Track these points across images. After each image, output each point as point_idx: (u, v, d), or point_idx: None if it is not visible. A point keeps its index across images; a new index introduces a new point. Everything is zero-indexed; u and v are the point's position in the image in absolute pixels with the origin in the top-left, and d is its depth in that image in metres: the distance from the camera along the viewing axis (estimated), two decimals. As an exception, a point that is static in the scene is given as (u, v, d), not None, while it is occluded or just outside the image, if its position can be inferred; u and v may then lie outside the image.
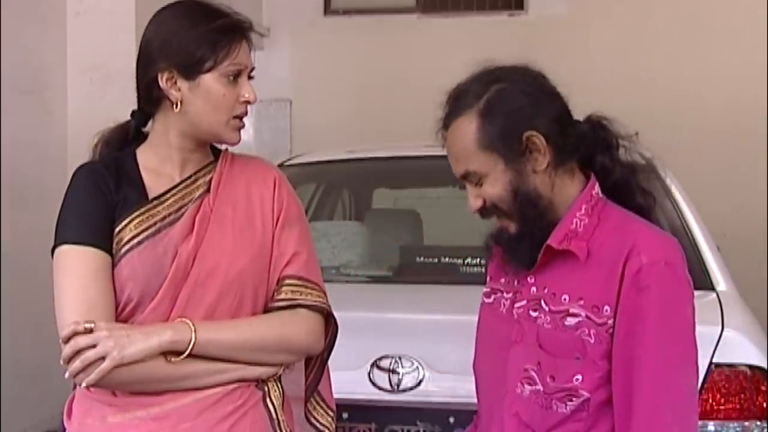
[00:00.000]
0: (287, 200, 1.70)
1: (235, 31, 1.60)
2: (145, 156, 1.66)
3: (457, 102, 1.54)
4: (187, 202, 1.62)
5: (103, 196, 1.60)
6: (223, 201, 1.65)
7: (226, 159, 1.70)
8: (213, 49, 1.57)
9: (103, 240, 1.57)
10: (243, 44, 1.61)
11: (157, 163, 1.65)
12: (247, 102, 1.62)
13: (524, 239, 1.54)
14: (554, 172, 1.53)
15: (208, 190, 1.65)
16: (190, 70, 1.57)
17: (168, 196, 1.62)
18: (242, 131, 1.65)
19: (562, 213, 1.54)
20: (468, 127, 1.51)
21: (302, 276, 1.66)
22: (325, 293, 1.68)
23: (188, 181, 1.64)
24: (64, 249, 1.57)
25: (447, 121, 1.55)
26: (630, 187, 1.59)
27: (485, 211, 1.55)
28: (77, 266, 1.56)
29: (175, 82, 1.58)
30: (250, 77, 1.63)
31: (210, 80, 1.58)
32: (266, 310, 1.65)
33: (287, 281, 1.65)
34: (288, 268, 1.66)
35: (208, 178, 1.66)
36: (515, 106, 1.50)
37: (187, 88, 1.58)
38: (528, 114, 1.50)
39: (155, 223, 1.59)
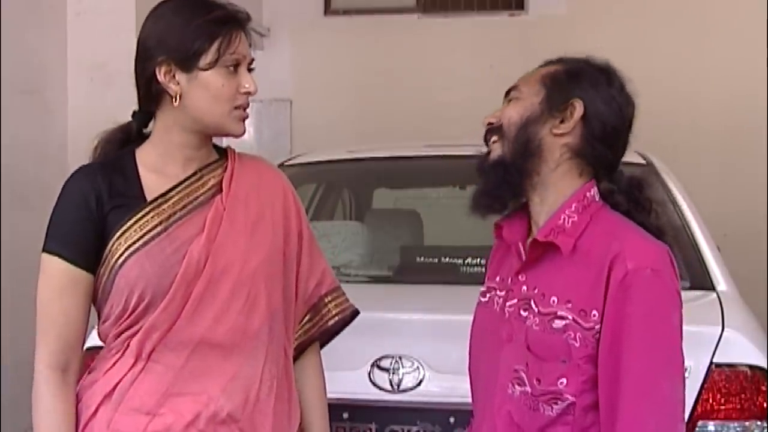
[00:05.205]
0: (301, 210, 1.75)
1: (232, 22, 1.58)
2: (146, 155, 1.64)
3: (564, 61, 1.61)
4: (193, 200, 1.61)
5: (87, 209, 1.58)
6: (235, 200, 1.64)
7: (234, 157, 1.69)
8: (210, 40, 1.55)
9: (74, 253, 1.57)
10: (241, 35, 1.60)
11: (159, 162, 1.63)
12: (248, 93, 1.60)
13: (497, 171, 1.55)
14: (568, 155, 1.54)
15: (219, 189, 1.64)
16: (188, 63, 1.56)
17: (173, 194, 1.61)
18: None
19: (547, 195, 1.55)
20: (549, 69, 1.59)
21: (336, 286, 1.79)
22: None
23: (193, 179, 1.63)
24: (42, 255, 1.59)
25: (547, 63, 1.63)
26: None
27: (492, 129, 1.59)
28: (46, 275, 1.59)
29: (174, 76, 1.57)
30: (249, 69, 1.62)
31: (208, 71, 1.56)
32: (312, 320, 1.77)
33: (329, 296, 1.77)
34: (324, 285, 1.76)
35: (217, 175, 1.65)
36: (593, 90, 1.55)
37: (185, 80, 1.57)
38: (594, 99, 1.54)
39: (161, 222, 1.58)
